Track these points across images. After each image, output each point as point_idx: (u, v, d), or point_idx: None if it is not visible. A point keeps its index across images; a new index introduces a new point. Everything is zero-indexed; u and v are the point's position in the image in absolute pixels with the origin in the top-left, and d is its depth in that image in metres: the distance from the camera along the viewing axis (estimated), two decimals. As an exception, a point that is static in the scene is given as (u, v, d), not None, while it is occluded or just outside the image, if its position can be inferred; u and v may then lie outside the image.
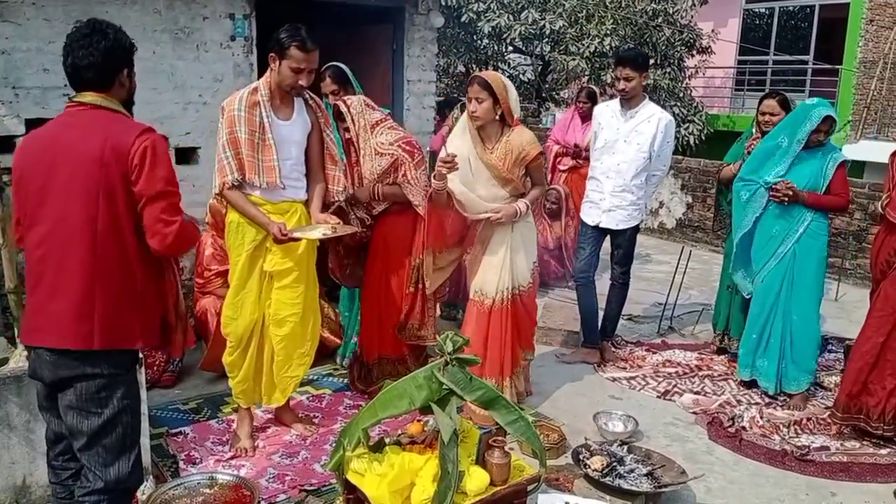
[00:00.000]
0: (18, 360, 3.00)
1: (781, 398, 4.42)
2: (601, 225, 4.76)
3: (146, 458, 3.21)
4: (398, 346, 4.19)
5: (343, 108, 3.91)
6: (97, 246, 2.26)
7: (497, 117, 3.75)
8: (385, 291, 4.13)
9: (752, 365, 4.49)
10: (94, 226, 2.25)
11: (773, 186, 4.22)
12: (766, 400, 4.42)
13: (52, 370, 2.29)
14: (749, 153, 4.63)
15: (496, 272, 3.91)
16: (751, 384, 4.56)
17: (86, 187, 2.25)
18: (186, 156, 4.78)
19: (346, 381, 4.47)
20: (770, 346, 4.40)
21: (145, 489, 3.12)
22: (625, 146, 4.63)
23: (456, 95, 9.43)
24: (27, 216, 2.32)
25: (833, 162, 4.21)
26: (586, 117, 6.51)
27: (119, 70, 2.38)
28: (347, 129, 3.93)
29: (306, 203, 3.57)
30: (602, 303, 5.02)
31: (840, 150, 4.36)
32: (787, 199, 4.18)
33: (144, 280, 2.37)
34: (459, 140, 3.84)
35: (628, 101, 4.64)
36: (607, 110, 4.79)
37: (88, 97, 2.34)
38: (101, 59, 2.31)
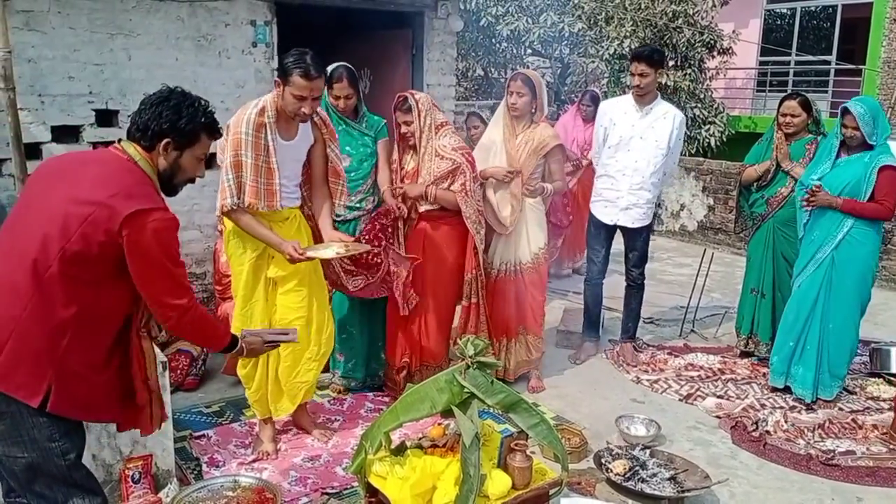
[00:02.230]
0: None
1: (806, 401, 4.37)
2: (618, 223, 4.74)
3: (170, 459, 3.25)
4: (436, 353, 4.16)
5: (412, 101, 3.85)
6: (37, 284, 2.07)
7: (532, 111, 4.21)
8: (424, 301, 4.07)
9: (787, 372, 4.41)
10: (48, 260, 2.07)
11: (808, 191, 4.16)
12: (791, 404, 4.37)
13: None
14: (776, 158, 4.60)
15: (500, 246, 4.32)
16: (783, 390, 4.48)
17: (65, 224, 2.08)
18: (209, 161, 4.79)
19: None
20: (806, 354, 4.32)
21: (169, 491, 3.15)
22: (641, 143, 4.61)
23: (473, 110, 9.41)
24: (10, 217, 2.23)
25: (876, 165, 4.03)
26: (588, 119, 6.66)
27: (159, 138, 2.22)
28: (408, 123, 3.88)
29: (310, 217, 3.61)
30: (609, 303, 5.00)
31: (889, 152, 4.10)
32: (812, 202, 4.11)
33: (86, 347, 2.14)
34: (494, 128, 4.33)
35: (643, 98, 4.62)
36: (618, 106, 4.75)
37: (132, 150, 2.23)
38: (144, 122, 2.22)
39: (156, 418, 2.34)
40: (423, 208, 3.98)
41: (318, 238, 3.65)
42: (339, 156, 3.66)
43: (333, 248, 3.39)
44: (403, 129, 3.92)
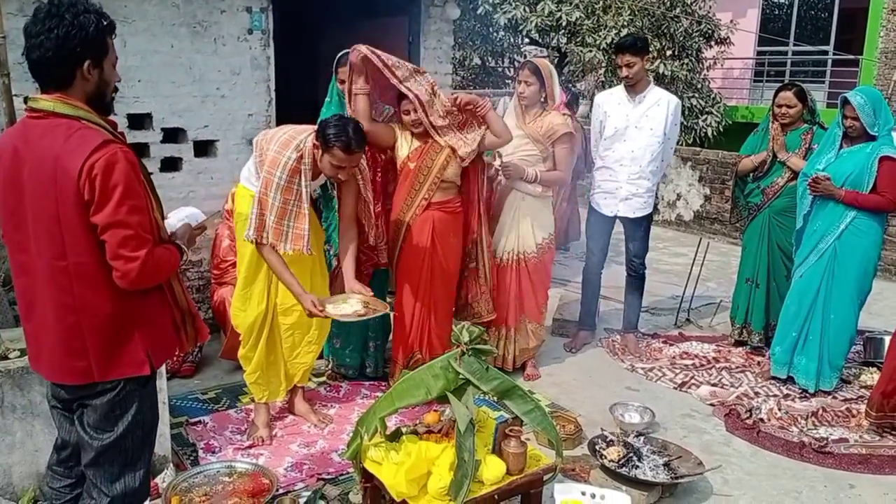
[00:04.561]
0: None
1: (800, 390, 4.40)
2: (619, 214, 4.74)
3: (166, 445, 3.26)
4: (445, 344, 4.10)
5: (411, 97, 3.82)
6: (72, 282, 2.04)
7: (541, 100, 4.25)
8: (435, 291, 4.07)
9: (790, 362, 4.42)
10: (64, 260, 2.02)
11: (811, 177, 4.16)
12: (785, 392, 4.39)
13: (69, 392, 2.20)
14: (773, 149, 4.61)
15: (504, 235, 4.33)
16: (784, 380, 4.49)
17: (48, 217, 2.00)
18: (205, 148, 4.81)
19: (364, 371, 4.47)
20: (809, 344, 4.33)
21: (165, 477, 3.16)
22: (636, 132, 4.61)
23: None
24: (6, 235, 2.13)
25: (877, 156, 4.01)
26: None
27: (79, 62, 1.99)
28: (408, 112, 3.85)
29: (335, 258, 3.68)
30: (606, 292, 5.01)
31: (891, 143, 4.07)
32: (816, 190, 4.12)
33: (141, 298, 2.13)
34: (508, 118, 4.32)
35: (633, 87, 4.63)
36: (612, 98, 4.75)
37: (43, 102, 2.01)
38: (53, 52, 1.96)
39: (190, 337, 2.35)
40: (436, 197, 3.94)
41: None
42: (370, 200, 3.68)
43: (353, 304, 3.33)
44: (413, 116, 3.82)
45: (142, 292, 2.13)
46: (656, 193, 4.87)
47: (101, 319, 2.09)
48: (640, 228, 4.82)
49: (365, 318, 3.32)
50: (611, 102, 4.73)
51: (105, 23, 2.05)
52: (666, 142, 4.66)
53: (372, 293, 3.40)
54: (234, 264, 4.48)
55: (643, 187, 4.67)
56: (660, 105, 4.60)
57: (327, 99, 4.31)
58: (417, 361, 4.11)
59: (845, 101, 4.07)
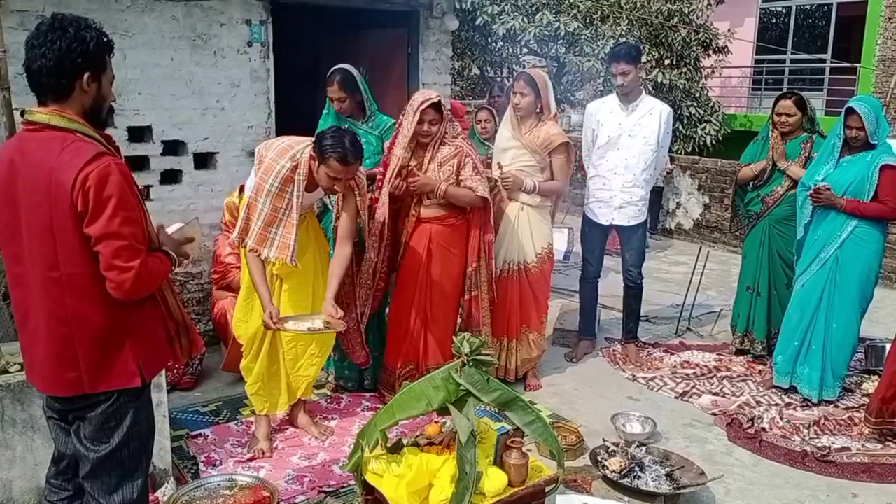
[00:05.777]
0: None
1: (802, 399, 4.38)
2: (614, 222, 4.76)
3: (167, 458, 3.25)
4: (445, 356, 4.06)
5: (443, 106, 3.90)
6: (65, 294, 2.05)
7: (537, 110, 4.25)
8: (433, 302, 4.09)
9: (792, 372, 4.40)
10: (57, 272, 2.04)
11: (813, 188, 4.16)
12: (787, 400, 4.38)
13: (62, 404, 2.21)
14: (772, 157, 4.61)
15: (504, 245, 4.32)
16: (787, 389, 4.46)
17: (42, 229, 2.02)
18: (204, 161, 4.82)
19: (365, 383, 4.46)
20: (812, 353, 4.31)
21: (166, 490, 3.15)
22: (630, 140, 4.63)
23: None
24: (3, 247, 2.15)
25: (878, 164, 4.01)
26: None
27: (78, 75, 2.03)
28: (433, 122, 3.86)
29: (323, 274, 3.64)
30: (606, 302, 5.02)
31: (891, 151, 4.07)
32: (817, 200, 4.12)
33: (133, 310, 2.14)
34: (504, 128, 4.41)
35: (627, 96, 4.65)
36: (604, 107, 4.77)
37: (39, 115, 2.04)
38: (54, 63, 1.99)
39: (185, 349, 2.36)
40: (424, 212, 3.97)
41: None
42: (367, 220, 3.74)
43: (313, 321, 3.32)
44: (427, 127, 3.85)
45: (134, 304, 2.13)
46: (660, 202, 4.89)
47: (93, 330, 2.09)
48: (635, 236, 4.83)
49: (316, 332, 3.36)
50: (603, 111, 4.75)
51: (105, 40, 2.10)
52: (659, 150, 4.68)
53: (342, 315, 3.35)
54: (234, 266, 4.48)
55: (637, 195, 4.69)
56: (652, 114, 4.63)
57: (325, 111, 4.32)
58: (411, 371, 4.12)
59: (850, 111, 4.06)
